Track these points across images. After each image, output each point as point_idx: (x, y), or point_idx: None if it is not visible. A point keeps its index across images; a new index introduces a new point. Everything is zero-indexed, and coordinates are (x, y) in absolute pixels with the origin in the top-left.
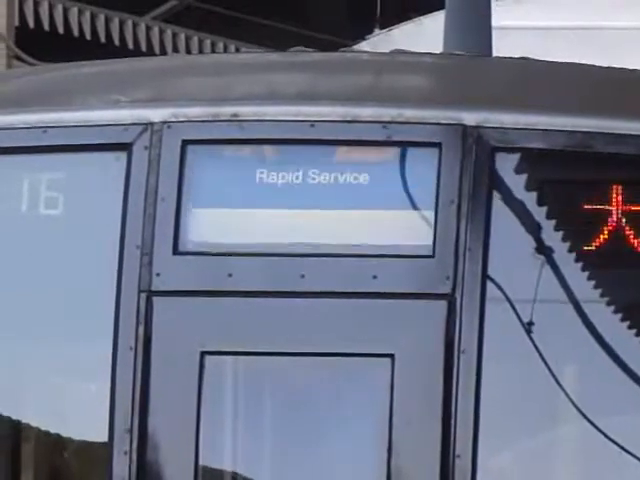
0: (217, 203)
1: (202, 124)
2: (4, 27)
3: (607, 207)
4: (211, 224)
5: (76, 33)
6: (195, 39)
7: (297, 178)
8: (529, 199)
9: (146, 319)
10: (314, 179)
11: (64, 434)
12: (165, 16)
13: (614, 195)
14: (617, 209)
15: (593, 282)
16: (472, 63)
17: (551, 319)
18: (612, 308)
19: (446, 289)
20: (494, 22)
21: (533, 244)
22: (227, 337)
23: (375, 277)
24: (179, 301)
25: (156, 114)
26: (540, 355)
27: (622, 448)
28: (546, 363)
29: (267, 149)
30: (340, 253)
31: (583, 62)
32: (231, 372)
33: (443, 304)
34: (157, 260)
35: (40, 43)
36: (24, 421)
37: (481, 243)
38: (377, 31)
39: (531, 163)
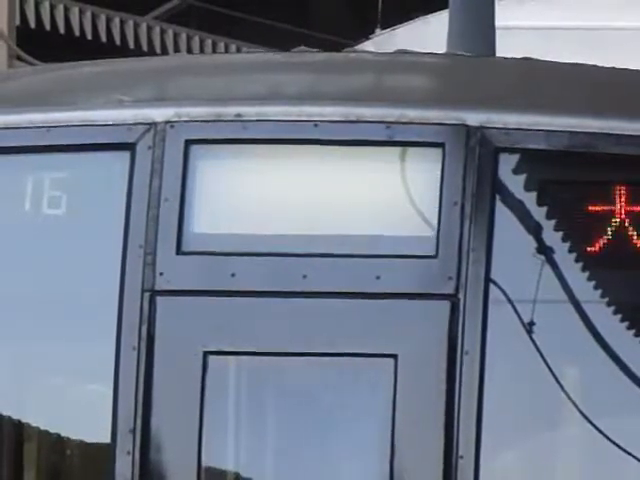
0: (220, 203)
1: (205, 124)
2: (5, 27)
3: (610, 208)
4: (214, 224)
5: (77, 33)
6: (196, 39)
7: (300, 178)
8: (532, 200)
9: (149, 319)
10: (317, 179)
11: (67, 434)
12: (166, 16)
13: (618, 196)
14: (621, 210)
15: (596, 283)
16: (475, 63)
17: (554, 320)
18: (615, 309)
19: (449, 290)
20: (497, 22)
21: (536, 245)
22: (230, 337)
23: (378, 277)
24: (182, 301)
25: (159, 114)
26: (543, 356)
27: (624, 449)
28: (549, 364)
29: (270, 149)
30: (343, 253)
31: (586, 62)
32: (234, 372)
33: (446, 304)
34: (160, 260)
35: (41, 43)
36: (27, 421)
37: (484, 244)
38: (378, 31)
39: (534, 164)
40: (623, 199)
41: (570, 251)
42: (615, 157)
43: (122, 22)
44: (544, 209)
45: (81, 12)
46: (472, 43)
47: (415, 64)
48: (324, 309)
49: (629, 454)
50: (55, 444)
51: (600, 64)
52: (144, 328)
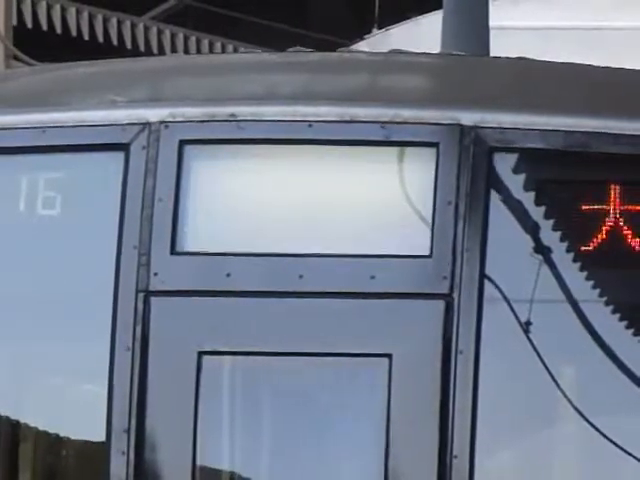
0: (215, 203)
1: (200, 124)
2: (2, 26)
3: (605, 207)
4: (209, 224)
5: (74, 33)
6: (193, 39)
7: (294, 178)
8: (527, 199)
9: (144, 319)
10: (311, 179)
11: (62, 434)
12: (163, 16)
13: (612, 195)
14: (615, 209)
15: (591, 282)
16: (470, 63)
17: (549, 319)
18: (610, 308)
19: (444, 289)
20: (491, 22)
21: (531, 244)
22: (225, 337)
23: (373, 277)
24: (177, 301)
25: (154, 114)
26: (538, 355)
27: (620, 448)
28: (544, 363)
29: (265, 149)
30: (338, 253)
31: (580, 62)
32: (228, 372)
33: (441, 304)
34: (155, 260)
35: (38, 43)
36: (22, 421)
37: (479, 243)
38: (375, 31)
39: (529, 163)
40: (618, 198)
41: (565, 250)
42: (610, 156)
43: (119, 22)
44: (539, 208)
45: (78, 12)
46: (466, 43)
47: (409, 64)
48: (319, 309)
49: (625, 452)
50: (50, 444)
51: (595, 64)
52: (138, 328)
